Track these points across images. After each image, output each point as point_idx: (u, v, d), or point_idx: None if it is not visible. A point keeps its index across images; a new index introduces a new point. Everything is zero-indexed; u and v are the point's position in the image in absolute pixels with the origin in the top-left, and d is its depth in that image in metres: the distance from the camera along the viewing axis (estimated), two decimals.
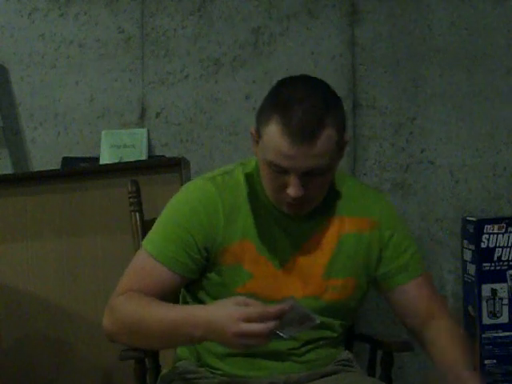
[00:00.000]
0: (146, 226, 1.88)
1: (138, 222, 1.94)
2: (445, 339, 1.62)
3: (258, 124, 1.54)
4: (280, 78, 1.63)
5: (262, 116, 1.52)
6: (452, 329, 1.66)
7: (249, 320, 1.36)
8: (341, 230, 1.64)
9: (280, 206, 1.56)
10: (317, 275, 1.61)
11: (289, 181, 1.49)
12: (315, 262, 1.62)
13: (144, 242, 1.66)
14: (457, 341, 1.62)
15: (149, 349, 1.72)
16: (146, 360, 1.82)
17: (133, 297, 1.57)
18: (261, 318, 1.36)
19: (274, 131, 1.47)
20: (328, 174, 1.53)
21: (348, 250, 1.64)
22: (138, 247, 1.92)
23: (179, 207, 1.63)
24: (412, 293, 1.65)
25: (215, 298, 1.58)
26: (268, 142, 1.49)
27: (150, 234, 1.66)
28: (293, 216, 1.58)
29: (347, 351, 1.75)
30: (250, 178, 1.63)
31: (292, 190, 1.48)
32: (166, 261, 1.59)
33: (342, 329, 1.68)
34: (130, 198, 1.96)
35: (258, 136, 1.54)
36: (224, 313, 1.39)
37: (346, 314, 1.68)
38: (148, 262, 1.61)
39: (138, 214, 1.95)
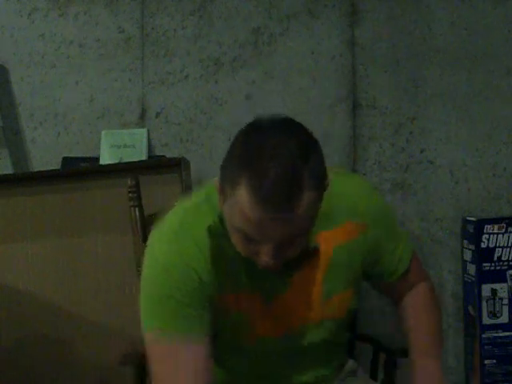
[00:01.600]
0: (146, 222, 1.86)
1: (138, 218, 1.91)
2: (411, 307, 1.62)
3: (222, 181, 1.27)
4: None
5: (228, 173, 1.25)
6: (418, 295, 1.63)
7: None
8: (331, 243, 1.47)
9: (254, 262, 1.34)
10: (315, 300, 1.49)
11: (260, 249, 1.26)
12: (311, 288, 1.48)
13: (148, 326, 1.42)
14: (421, 308, 1.62)
15: None
16: (146, 366, 1.79)
17: None
18: None
19: (242, 197, 1.21)
20: (308, 232, 1.30)
21: (342, 261, 1.49)
22: (138, 243, 1.89)
23: (159, 270, 1.40)
24: (398, 282, 1.62)
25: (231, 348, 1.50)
26: (235, 208, 1.23)
27: (150, 319, 1.42)
28: None
29: (352, 361, 1.71)
30: (214, 229, 1.39)
31: (264, 261, 1.27)
32: (183, 329, 1.38)
33: (343, 331, 1.66)
34: (129, 192, 1.93)
35: (223, 194, 1.27)
36: None
37: (346, 320, 1.64)
38: (173, 354, 1.38)
39: (137, 210, 1.92)
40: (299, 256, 1.36)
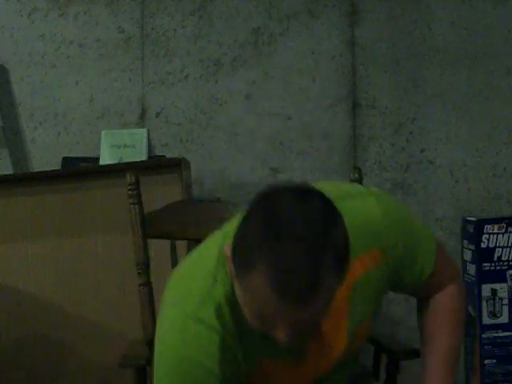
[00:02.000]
0: (146, 220, 1.86)
1: (138, 215, 1.88)
2: (430, 318, 1.54)
3: (235, 256, 1.17)
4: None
5: (241, 252, 1.15)
6: (443, 304, 1.54)
7: None
8: (350, 281, 1.35)
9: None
10: (341, 345, 1.40)
11: (275, 330, 1.17)
12: (335, 336, 1.39)
13: None
14: (441, 326, 1.52)
15: None
16: (148, 368, 1.74)
17: None
18: None
19: (257, 284, 1.12)
20: (326, 310, 1.19)
21: (363, 295, 1.39)
22: (137, 242, 1.88)
23: (176, 374, 1.31)
24: (421, 288, 1.53)
25: None
26: (249, 291, 1.15)
27: None
28: None
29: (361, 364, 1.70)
30: (231, 301, 1.29)
31: (280, 339, 1.18)
32: None
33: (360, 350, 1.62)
34: (129, 190, 1.90)
35: (234, 268, 1.17)
36: None
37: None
38: None
39: (137, 207, 1.89)
40: None
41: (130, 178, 1.88)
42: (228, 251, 1.20)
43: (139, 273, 1.90)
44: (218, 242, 1.34)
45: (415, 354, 1.77)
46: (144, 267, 1.89)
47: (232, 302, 1.27)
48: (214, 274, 1.30)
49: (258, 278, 1.11)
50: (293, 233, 1.11)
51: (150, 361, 1.77)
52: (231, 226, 1.29)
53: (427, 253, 1.48)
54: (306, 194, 1.18)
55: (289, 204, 1.15)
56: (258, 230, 1.13)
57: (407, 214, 1.49)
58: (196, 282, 1.32)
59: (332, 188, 1.35)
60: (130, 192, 1.89)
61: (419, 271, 1.47)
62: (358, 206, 1.40)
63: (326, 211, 1.16)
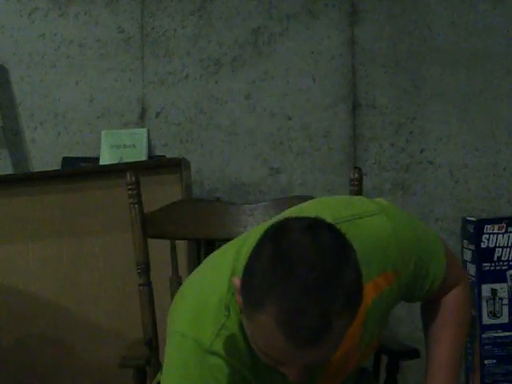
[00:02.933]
0: (146, 220, 1.86)
1: (138, 215, 1.87)
2: (436, 319, 1.52)
3: (243, 293, 1.14)
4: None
5: (251, 289, 1.12)
6: (448, 304, 1.52)
7: None
8: (364, 307, 1.32)
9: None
10: (352, 363, 1.40)
11: (285, 368, 1.15)
12: (347, 361, 1.39)
13: None
14: (445, 331, 1.51)
15: None
16: (147, 368, 1.76)
17: None
18: None
19: (266, 325, 1.09)
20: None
21: (374, 317, 1.37)
22: (137, 242, 1.87)
23: None
24: (434, 294, 1.51)
25: None
26: (258, 331, 1.12)
27: None
28: None
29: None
30: (243, 331, 1.26)
31: (289, 376, 1.15)
32: None
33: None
34: (129, 189, 1.89)
35: (243, 303, 1.15)
36: None
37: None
38: None
39: (137, 207, 1.88)
40: None
41: (129, 177, 1.88)
42: (237, 283, 1.17)
43: (139, 273, 1.90)
44: (230, 264, 1.31)
45: (415, 353, 1.77)
46: (144, 267, 1.89)
47: (244, 332, 1.23)
48: (226, 303, 1.28)
49: (266, 318, 1.09)
50: (303, 272, 1.08)
51: (149, 361, 1.77)
52: (246, 247, 1.27)
53: (438, 263, 1.46)
54: (316, 229, 1.14)
55: (299, 240, 1.11)
56: (268, 269, 1.10)
57: (414, 225, 1.45)
58: (209, 312, 1.30)
59: (340, 207, 1.34)
60: (129, 192, 1.89)
61: (431, 282, 1.45)
62: (369, 226, 1.36)
63: (338, 248, 1.12)
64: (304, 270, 1.08)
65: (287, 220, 1.17)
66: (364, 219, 1.36)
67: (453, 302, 1.52)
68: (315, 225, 1.15)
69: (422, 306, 1.58)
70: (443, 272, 1.46)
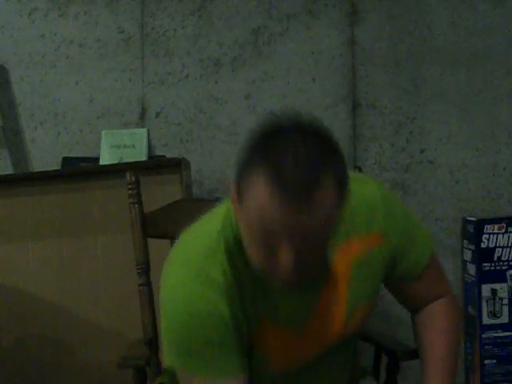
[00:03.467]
0: (145, 219, 1.86)
1: (138, 215, 1.88)
2: (429, 325, 1.55)
3: (237, 179, 1.20)
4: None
5: (243, 169, 1.18)
6: (440, 313, 1.56)
7: None
8: (350, 257, 1.39)
9: (272, 281, 1.26)
10: (339, 321, 1.42)
11: (280, 259, 1.18)
12: (335, 310, 1.42)
13: (185, 376, 1.38)
14: (437, 328, 1.54)
15: None
16: (147, 369, 1.77)
17: None
18: None
19: (260, 190, 1.14)
20: (329, 242, 1.21)
21: (364, 274, 1.42)
22: (137, 242, 1.88)
23: (187, 329, 1.33)
24: (415, 284, 1.54)
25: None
26: (253, 206, 1.16)
27: (181, 366, 1.38)
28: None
29: (371, 378, 1.70)
30: (233, 252, 1.33)
31: (285, 273, 1.18)
32: (229, 373, 1.35)
33: (357, 341, 1.62)
34: (129, 189, 1.89)
35: (238, 198, 1.21)
36: None
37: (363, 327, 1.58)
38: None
39: (137, 206, 1.88)
40: (319, 278, 1.33)
41: (129, 177, 1.88)
42: (233, 192, 1.22)
43: (139, 273, 1.91)
44: (224, 211, 1.36)
45: (415, 354, 1.77)
46: (144, 267, 1.89)
47: (236, 254, 1.31)
48: (219, 231, 1.33)
49: (260, 185, 1.13)
50: (292, 144, 1.13)
51: (149, 361, 1.77)
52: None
53: (423, 247, 1.50)
54: (307, 125, 1.19)
55: (290, 132, 1.16)
56: (258, 146, 1.16)
57: (407, 211, 1.50)
58: (203, 240, 1.35)
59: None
60: (129, 191, 1.89)
61: (415, 260, 1.49)
62: (360, 188, 1.40)
63: (328, 141, 1.19)
64: (293, 138, 1.14)
65: (277, 117, 1.21)
66: (356, 181, 1.39)
67: (445, 309, 1.55)
68: (305, 121, 1.20)
69: (412, 318, 1.60)
70: (427, 259, 1.50)
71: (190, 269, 1.34)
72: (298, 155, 1.12)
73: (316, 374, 1.49)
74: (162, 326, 1.38)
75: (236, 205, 1.22)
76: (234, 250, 1.32)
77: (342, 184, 1.17)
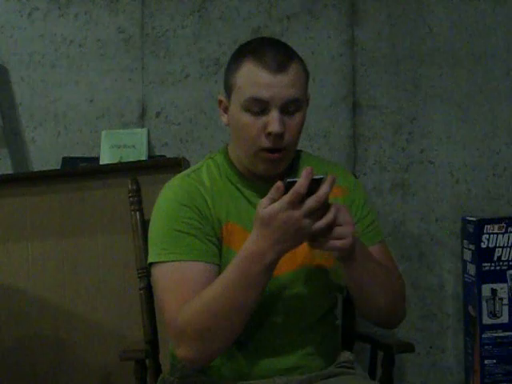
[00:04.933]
0: (147, 226, 1.87)
1: (139, 222, 1.94)
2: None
3: (227, 81, 1.61)
4: None
5: (233, 66, 1.60)
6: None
7: (293, 205, 1.37)
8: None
9: (256, 166, 1.59)
10: (304, 246, 1.53)
11: (268, 119, 1.53)
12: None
13: (156, 258, 1.57)
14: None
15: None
16: (147, 361, 1.81)
17: (187, 303, 1.48)
18: (297, 198, 1.37)
19: (249, 68, 1.56)
20: (302, 112, 1.58)
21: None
22: (138, 246, 1.91)
23: (169, 206, 1.62)
24: (370, 249, 1.63)
25: None
26: (245, 81, 1.56)
27: (157, 246, 1.59)
28: (269, 178, 1.57)
29: (348, 352, 1.74)
30: (221, 166, 1.67)
31: (273, 126, 1.52)
32: (196, 255, 1.54)
33: (332, 302, 1.69)
34: (130, 197, 1.96)
35: (228, 96, 1.60)
36: (272, 216, 1.39)
37: (336, 284, 1.67)
38: (178, 270, 1.53)
39: (138, 213, 1.94)
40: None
41: (131, 185, 1.95)
42: (222, 97, 1.66)
43: (140, 277, 1.92)
44: (206, 160, 1.71)
45: (410, 347, 1.81)
46: (145, 271, 1.91)
47: (220, 168, 1.67)
48: (202, 162, 1.71)
49: (247, 65, 1.57)
50: (270, 42, 1.64)
51: (148, 354, 1.79)
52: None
53: (378, 228, 1.74)
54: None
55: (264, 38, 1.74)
56: (242, 48, 1.65)
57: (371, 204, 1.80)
58: (188, 170, 1.71)
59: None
60: (130, 199, 1.95)
61: (372, 230, 1.70)
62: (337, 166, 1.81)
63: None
64: (268, 40, 1.67)
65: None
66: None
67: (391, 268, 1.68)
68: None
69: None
70: (381, 237, 1.73)
71: (181, 175, 1.68)
72: (271, 42, 1.62)
73: (293, 304, 1.61)
74: (150, 222, 1.65)
75: (223, 113, 1.65)
76: (215, 166, 1.67)
77: (305, 67, 1.62)
